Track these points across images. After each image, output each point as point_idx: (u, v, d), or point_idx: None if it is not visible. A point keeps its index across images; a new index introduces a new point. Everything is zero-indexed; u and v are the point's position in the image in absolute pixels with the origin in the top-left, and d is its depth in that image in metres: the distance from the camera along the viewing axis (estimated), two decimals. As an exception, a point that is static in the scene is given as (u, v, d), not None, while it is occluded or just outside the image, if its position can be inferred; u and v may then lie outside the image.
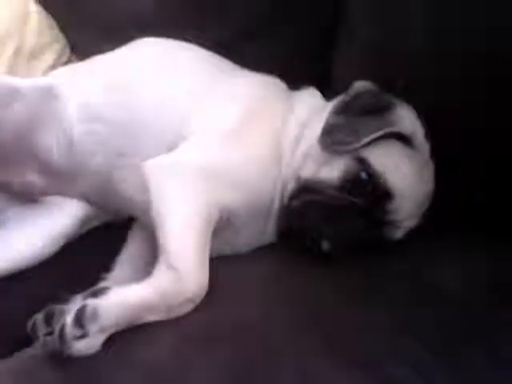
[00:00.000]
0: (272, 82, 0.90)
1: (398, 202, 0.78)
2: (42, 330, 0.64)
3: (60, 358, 0.62)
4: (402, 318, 0.66)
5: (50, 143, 0.82)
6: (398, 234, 0.80)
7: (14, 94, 0.83)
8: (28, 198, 0.85)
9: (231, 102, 0.83)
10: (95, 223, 0.87)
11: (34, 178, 0.84)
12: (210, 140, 0.80)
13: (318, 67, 0.99)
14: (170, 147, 0.79)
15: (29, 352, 0.67)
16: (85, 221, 0.85)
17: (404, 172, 0.79)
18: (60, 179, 0.84)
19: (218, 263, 0.73)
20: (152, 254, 0.73)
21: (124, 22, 0.88)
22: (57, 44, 1.16)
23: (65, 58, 1.18)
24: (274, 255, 0.79)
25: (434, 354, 0.62)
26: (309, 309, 0.69)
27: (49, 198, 0.85)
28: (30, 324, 0.65)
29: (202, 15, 1.02)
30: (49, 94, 0.84)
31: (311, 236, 0.76)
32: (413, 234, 0.80)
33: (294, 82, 0.90)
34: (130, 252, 0.84)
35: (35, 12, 1.15)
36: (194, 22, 0.92)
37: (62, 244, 0.83)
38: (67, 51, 1.19)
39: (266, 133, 0.81)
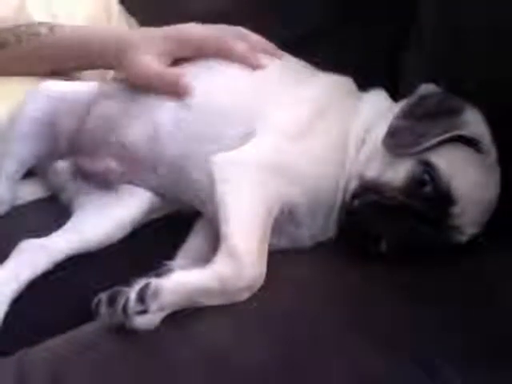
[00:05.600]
0: (342, 83, 0.91)
1: (461, 207, 0.77)
2: (104, 307, 0.68)
3: (121, 332, 0.66)
4: (453, 318, 0.66)
5: (138, 132, 0.87)
6: (461, 239, 0.79)
7: (99, 94, 0.91)
8: (102, 185, 0.90)
9: (301, 101, 0.85)
10: (162, 213, 0.90)
11: (113, 166, 0.89)
12: (277, 138, 0.82)
13: (388, 69, 1.00)
14: (243, 139, 0.82)
15: (92, 326, 0.71)
16: (152, 210, 0.89)
17: (469, 177, 0.78)
18: (138, 168, 0.88)
19: (276, 255, 0.75)
20: (214, 248, 0.75)
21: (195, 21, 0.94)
22: None
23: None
24: (330, 251, 0.80)
25: (482, 354, 0.61)
26: (360, 306, 0.71)
27: (121, 188, 0.89)
28: (94, 301, 0.69)
29: (272, 14, 1.05)
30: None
31: (370, 236, 0.77)
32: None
33: (364, 84, 0.91)
34: (194, 243, 0.87)
35: (117, 11, 1.21)
36: (264, 21, 0.96)
37: (129, 230, 0.87)
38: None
39: (331, 132, 0.83)
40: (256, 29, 0.93)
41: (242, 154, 0.80)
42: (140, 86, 0.89)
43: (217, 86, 0.88)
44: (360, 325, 0.68)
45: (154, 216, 0.90)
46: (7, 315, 0.75)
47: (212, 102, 0.86)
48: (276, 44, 0.94)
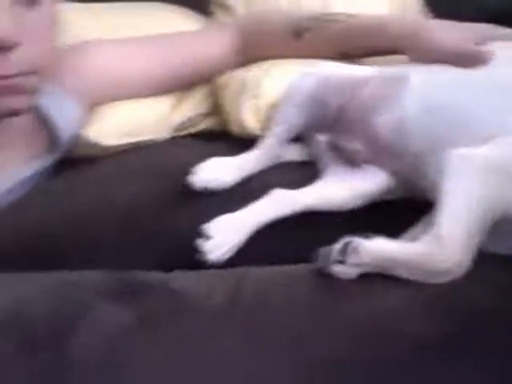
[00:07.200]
0: None
1: None
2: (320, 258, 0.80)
3: (321, 275, 0.78)
4: None
5: (385, 123, 0.96)
6: None
7: (363, 80, 1.01)
8: (349, 161, 1.01)
9: None
10: (393, 196, 0.97)
11: (360, 148, 0.99)
12: None
13: None
14: (482, 140, 0.83)
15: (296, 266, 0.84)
16: (387, 191, 0.97)
17: None
18: (382, 154, 0.97)
19: (488, 257, 0.77)
20: None
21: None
22: None
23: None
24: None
25: None
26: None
27: (365, 166, 1.00)
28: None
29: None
30: (396, 80, 0.98)
31: None
32: None
33: None
34: (417, 233, 0.91)
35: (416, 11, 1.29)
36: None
37: (361, 203, 0.96)
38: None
39: None
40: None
41: (478, 152, 0.82)
42: (434, 61, 0.96)
43: (458, 90, 0.92)
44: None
45: (388, 197, 0.98)
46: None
47: (453, 107, 0.90)
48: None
